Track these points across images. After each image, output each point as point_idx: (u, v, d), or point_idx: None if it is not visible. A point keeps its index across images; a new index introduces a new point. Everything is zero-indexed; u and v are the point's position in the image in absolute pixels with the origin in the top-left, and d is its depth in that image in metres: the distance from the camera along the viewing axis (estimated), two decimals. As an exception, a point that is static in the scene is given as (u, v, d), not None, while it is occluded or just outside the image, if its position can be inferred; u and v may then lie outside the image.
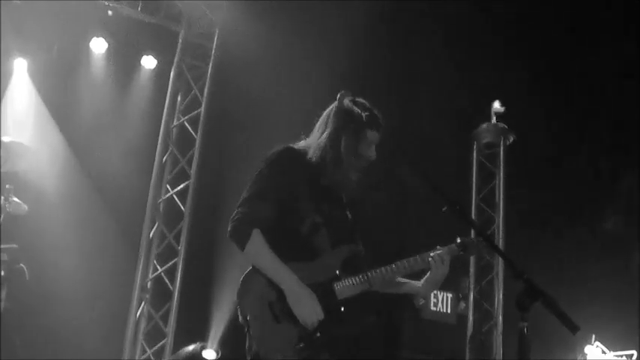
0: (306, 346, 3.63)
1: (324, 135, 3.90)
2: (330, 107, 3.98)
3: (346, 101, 3.91)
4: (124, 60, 9.67)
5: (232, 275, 8.55)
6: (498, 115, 10.01)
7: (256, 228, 3.73)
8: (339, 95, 3.90)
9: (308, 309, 3.64)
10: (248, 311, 3.67)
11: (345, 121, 3.88)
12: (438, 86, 9.74)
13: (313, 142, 3.94)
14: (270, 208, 3.79)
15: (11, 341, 7.13)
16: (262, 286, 3.70)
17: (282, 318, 3.64)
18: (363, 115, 3.87)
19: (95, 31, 9.44)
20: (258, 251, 3.73)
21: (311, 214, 3.85)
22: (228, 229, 3.78)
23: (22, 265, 6.93)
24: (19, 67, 9.25)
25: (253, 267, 3.74)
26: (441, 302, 9.35)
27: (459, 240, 3.94)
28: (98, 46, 9.51)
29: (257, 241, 3.72)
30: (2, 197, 6.70)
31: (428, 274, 3.92)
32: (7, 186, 6.74)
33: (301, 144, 3.98)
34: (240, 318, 3.71)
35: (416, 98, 10.01)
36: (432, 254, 3.89)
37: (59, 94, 9.37)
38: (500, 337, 9.32)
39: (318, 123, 4.00)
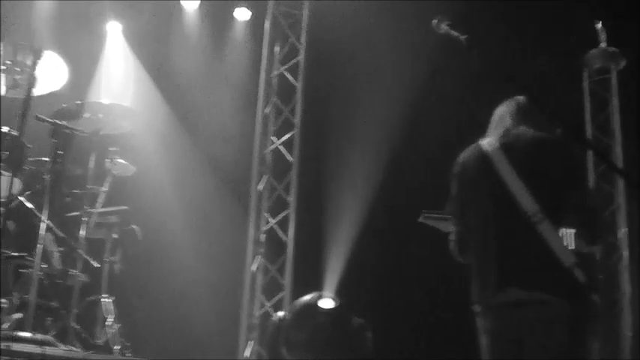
0: None
1: None
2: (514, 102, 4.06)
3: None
4: (217, 15, 9.59)
5: (344, 222, 8.44)
6: (605, 39, 9.46)
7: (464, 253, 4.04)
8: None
9: None
10: None
11: None
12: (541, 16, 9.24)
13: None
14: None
15: (129, 303, 7.21)
16: None
17: None
18: None
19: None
20: None
21: None
22: None
23: (133, 226, 6.98)
24: (114, 30, 9.30)
25: None
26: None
27: None
28: (190, 3, 9.44)
29: None
30: (108, 160, 6.72)
31: None
32: (111, 148, 6.77)
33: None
34: None
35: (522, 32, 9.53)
36: None
37: (155, 55, 9.38)
38: (627, 271, 8.84)
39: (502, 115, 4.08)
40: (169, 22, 9.48)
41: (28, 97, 5.06)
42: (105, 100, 6.71)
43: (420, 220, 4.57)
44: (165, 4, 9.42)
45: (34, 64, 5.23)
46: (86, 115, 6.51)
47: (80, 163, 6.65)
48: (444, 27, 3.68)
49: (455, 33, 3.60)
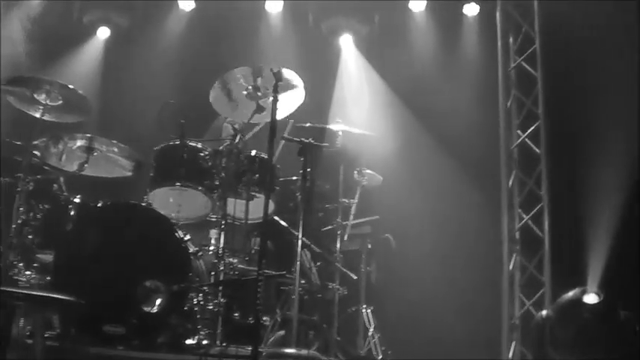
0: None
1: None
2: None
3: None
4: (445, 14, 9.48)
5: (601, 211, 8.02)
6: None
7: None
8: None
9: None
10: None
11: None
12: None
13: None
14: None
15: (387, 311, 7.27)
16: None
17: None
18: None
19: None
20: None
21: None
22: None
23: (387, 235, 7.02)
24: (346, 43, 9.48)
25: None
26: None
27: None
28: (418, 3, 9.42)
29: None
30: (356, 171, 6.81)
31: None
32: (357, 160, 6.85)
33: None
34: None
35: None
36: None
37: (389, 62, 9.43)
38: None
39: None
40: (398, 27, 9.48)
41: (274, 120, 5.18)
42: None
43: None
44: (392, 11, 9.44)
45: (276, 86, 5.35)
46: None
47: (328, 178, 6.78)
48: None
49: None
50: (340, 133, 6.67)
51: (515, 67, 9.12)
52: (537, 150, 8.81)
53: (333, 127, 6.87)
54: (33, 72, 7.62)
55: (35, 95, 6.79)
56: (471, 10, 9.45)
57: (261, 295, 4.80)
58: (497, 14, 9.26)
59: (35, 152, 6.72)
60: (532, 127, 8.89)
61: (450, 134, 8.99)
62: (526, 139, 8.91)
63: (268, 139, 5.15)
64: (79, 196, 6.41)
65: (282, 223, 6.42)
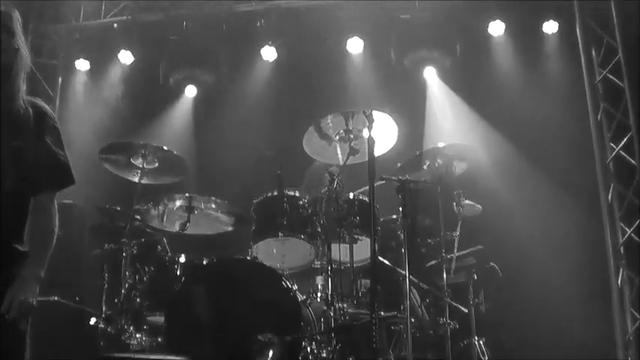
0: None
1: None
2: None
3: None
4: (524, 34, 9.44)
5: None
6: None
7: None
8: None
9: None
10: None
11: None
12: None
13: None
14: None
15: (500, 341, 7.17)
16: None
17: None
18: None
19: (489, 16, 9.38)
20: None
21: None
22: None
23: (492, 263, 6.95)
24: (430, 75, 9.52)
25: None
26: None
27: None
28: (497, 28, 9.38)
29: None
30: (455, 203, 6.77)
31: None
32: (455, 192, 6.81)
33: None
34: None
35: None
36: None
37: (473, 88, 9.45)
38: None
39: None
40: (480, 53, 9.48)
41: (372, 161, 5.20)
42: (440, 144, 6.77)
43: None
44: (472, 38, 9.48)
45: (370, 128, 5.37)
46: (426, 164, 6.63)
47: (428, 212, 6.76)
48: None
49: None
50: (440, 161, 6.66)
51: (601, 79, 8.99)
52: (633, 161, 8.64)
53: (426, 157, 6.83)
54: (127, 137, 7.84)
55: (132, 160, 6.98)
56: (551, 27, 9.35)
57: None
58: (577, 29, 9.18)
59: (137, 216, 6.88)
60: (625, 139, 8.72)
61: (542, 153, 8.92)
62: (620, 151, 8.74)
63: (368, 180, 5.18)
64: (183, 255, 6.52)
65: (387, 262, 6.41)
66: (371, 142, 5.34)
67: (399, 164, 6.68)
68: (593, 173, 8.85)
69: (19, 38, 3.73)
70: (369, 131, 5.41)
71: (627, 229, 8.53)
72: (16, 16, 3.74)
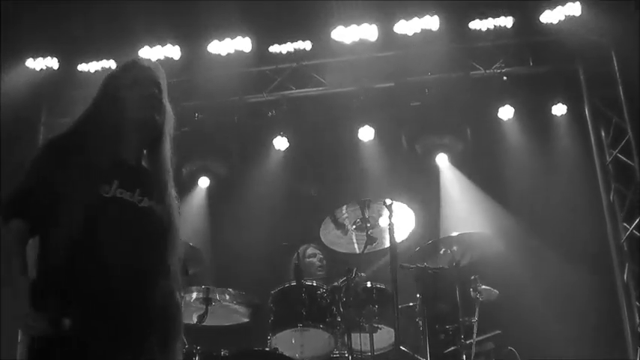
0: None
1: None
2: None
3: None
4: (534, 117, 9.57)
5: None
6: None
7: None
8: None
9: None
10: None
11: None
12: None
13: None
14: None
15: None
16: None
17: None
18: None
19: (498, 101, 9.51)
20: None
21: None
22: None
23: (510, 348, 6.92)
24: (442, 161, 9.65)
25: None
26: None
27: None
28: (506, 112, 9.50)
29: None
30: (471, 289, 6.76)
31: None
32: (472, 277, 6.81)
33: None
34: None
35: None
36: None
37: (486, 171, 9.55)
38: None
39: None
40: (490, 137, 9.61)
41: (394, 249, 5.28)
42: (454, 233, 6.82)
43: None
44: (482, 123, 9.62)
45: (390, 217, 5.45)
46: (441, 251, 6.65)
47: (446, 299, 6.75)
48: None
49: None
50: (455, 248, 6.69)
51: (612, 160, 9.08)
52: (646, 240, 8.67)
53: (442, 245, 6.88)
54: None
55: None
56: (559, 109, 9.48)
57: None
58: (586, 110, 9.31)
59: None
60: (638, 219, 8.76)
61: (556, 234, 8.94)
62: (634, 231, 8.77)
63: (390, 267, 5.24)
64: (198, 347, 6.48)
65: (407, 350, 6.37)
66: (392, 231, 5.43)
67: (417, 248, 6.70)
68: (608, 252, 8.88)
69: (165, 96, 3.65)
70: (390, 220, 5.49)
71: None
72: (163, 72, 3.67)
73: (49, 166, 3.30)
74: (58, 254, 3.16)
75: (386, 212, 5.84)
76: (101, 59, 9.84)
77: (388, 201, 5.56)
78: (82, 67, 9.91)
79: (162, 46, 9.69)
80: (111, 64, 9.80)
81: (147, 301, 3.35)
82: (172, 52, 9.69)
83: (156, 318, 3.40)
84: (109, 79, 3.62)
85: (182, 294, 3.74)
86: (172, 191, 3.66)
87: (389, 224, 5.43)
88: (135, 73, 3.57)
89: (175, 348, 3.49)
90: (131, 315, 3.27)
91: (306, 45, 9.63)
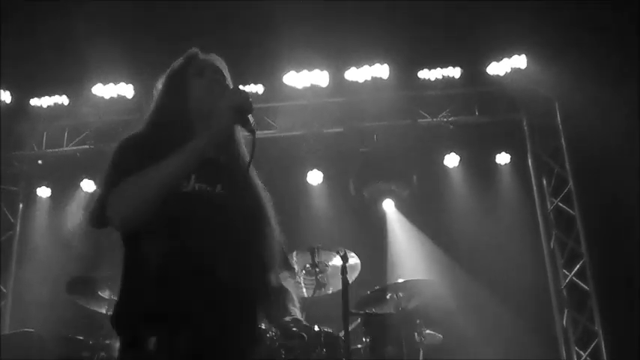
0: None
1: None
2: None
3: None
4: (478, 165, 9.81)
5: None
6: None
7: None
8: None
9: None
10: None
11: None
12: None
13: None
14: None
15: None
16: None
17: None
18: None
19: (444, 149, 9.74)
20: None
21: None
22: None
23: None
24: (389, 207, 9.80)
25: None
26: None
27: None
28: (452, 160, 9.75)
29: None
30: (416, 333, 6.88)
31: None
32: (417, 321, 6.93)
33: None
34: None
35: None
36: None
37: (431, 218, 9.68)
38: None
39: None
40: (436, 185, 9.81)
41: (346, 294, 5.41)
42: (399, 280, 6.95)
43: None
44: (428, 171, 9.80)
45: (344, 268, 5.59)
46: (388, 296, 6.78)
47: (392, 342, 6.85)
48: None
49: None
50: (401, 294, 6.81)
51: (553, 208, 9.34)
52: (586, 287, 8.92)
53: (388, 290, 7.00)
54: (92, 271, 7.83)
55: (99, 292, 6.98)
56: (503, 158, 9.77)
57: None
58: (529, 160, 9.59)
59: (102, 353, 6.81)
60: (577, 266, 9.02)
61: (498, 280, 9.07)
62: (573, 277, 9.02)
63: (342, 315, 5.36)
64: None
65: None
66: (345, 281, 5.56)
67: (368, 292, 6.82)
68: (549, 298, 9.11)
69: None
70: (344, 271, 5.63)
71: (583, 353, 8.76)
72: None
73: (129, 167, 3.09)
74: (150, 264, 2.94)
75: (336, 258, 5.97)
76: (53, 94, 9.91)
77: (341, 251, 5.66)
78: (35, 101, 9.95)
79: (115, 84, 9.78)
80: (63, 99, 9.88)
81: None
82: (125, 90, 9.81)
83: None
84: (172, 72, 3.50)
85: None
86: (257, 181, 3.49)
87: (341, 273, 5.54)
88: (199, 62, 3.50)
89: None
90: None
91: (258, 88, 9.76)
